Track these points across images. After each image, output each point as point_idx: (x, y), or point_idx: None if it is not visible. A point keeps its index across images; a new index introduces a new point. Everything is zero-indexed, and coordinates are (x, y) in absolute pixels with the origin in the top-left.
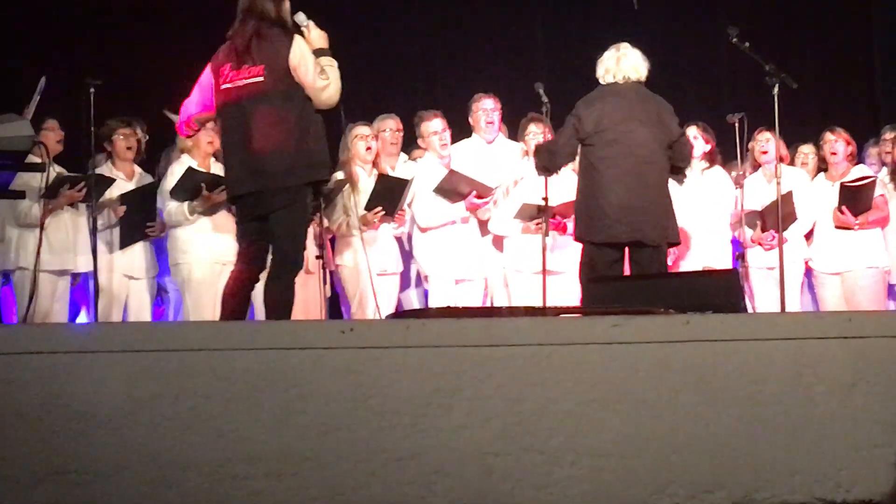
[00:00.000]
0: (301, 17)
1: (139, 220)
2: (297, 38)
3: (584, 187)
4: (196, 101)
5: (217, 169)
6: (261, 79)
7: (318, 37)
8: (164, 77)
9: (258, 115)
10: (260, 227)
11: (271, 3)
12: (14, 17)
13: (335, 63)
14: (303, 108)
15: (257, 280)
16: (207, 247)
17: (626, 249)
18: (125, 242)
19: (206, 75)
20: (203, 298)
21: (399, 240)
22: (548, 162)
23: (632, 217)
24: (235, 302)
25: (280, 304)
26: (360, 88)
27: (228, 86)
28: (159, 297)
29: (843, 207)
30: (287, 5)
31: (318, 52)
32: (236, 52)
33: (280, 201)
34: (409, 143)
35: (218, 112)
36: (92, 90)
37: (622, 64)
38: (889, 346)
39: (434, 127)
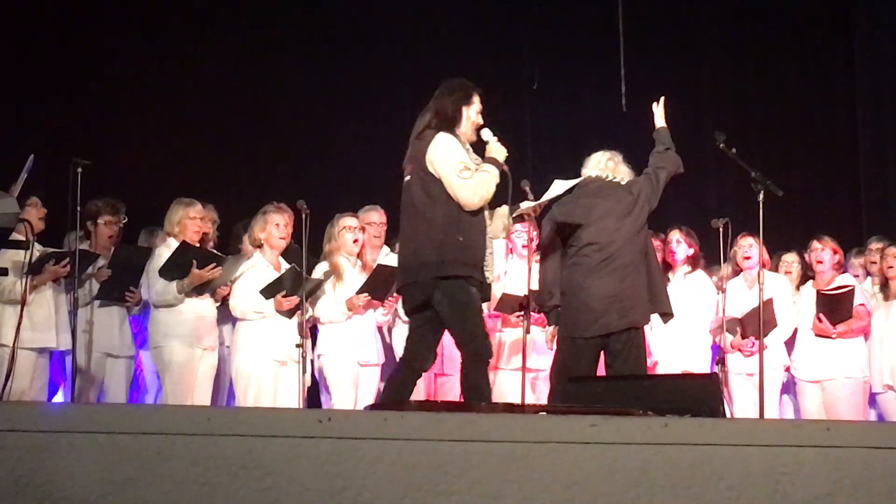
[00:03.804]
0: (486, 133)
1: (124, 281)
2: (441, 133)
3: (566, 285)
4: None
5: None
6: (409, 177)
7: (495, 150)
8: (151, 159)
9: (407, 211)
10: (418, 320)
11: (450, 101)
12: (3, 94)
13: (493, 172)
14: (445, 205)
15: (417, 374)
16: (189, 331)
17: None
18: (103, 296)
19: None
20: (182, 383)
21: (381, 331)
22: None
23: (619, 304)
24: (392, 387)
25: (467, 390)
26: (347, 179)
27: (403, 183)
28: (136, 376)
29: (821, 315)
30: (471, 111)
31: (486, 160)
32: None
33: (417, 296)
34: (392, 235)
35: None
36: (79, 170)
37: (587, 163)
38: (867, 457)
39: None
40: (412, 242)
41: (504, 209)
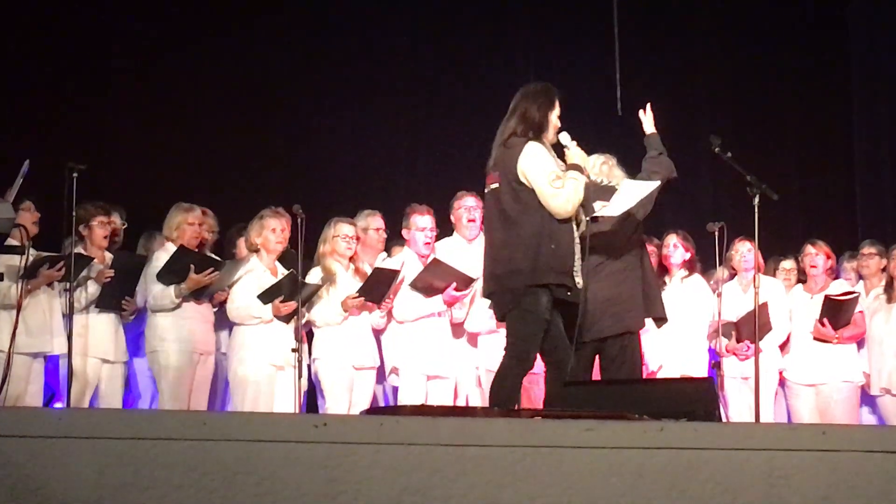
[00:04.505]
0: (565, 138)
1: (121, 289)
2: (530, 142)
3: None
4: None
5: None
6: (496, 185)
7: (576, 155)
8: (146, 163)
9: (498, 219)
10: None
11: (536, 107)
12: None
13: (580, 179)
14: (536, 213)
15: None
16: (186, 335)
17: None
18: (103, 304)
19: None
20: (179, 387)
21: (376, 334)
22: None
23: (614, 308)
24: (499, 391)
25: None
26: (343, 183)
27: (486, 189)
28: (130, 382)
29: (825, 319)
30: (554, 115)
31: (570, 167)
32: (491, 154)
33: (508, 303)
34: (389, 239)
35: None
36: (75, 175)
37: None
38: (862, 461)
39: (423, 223)
40: (504, 250)
41: (582, 213)
